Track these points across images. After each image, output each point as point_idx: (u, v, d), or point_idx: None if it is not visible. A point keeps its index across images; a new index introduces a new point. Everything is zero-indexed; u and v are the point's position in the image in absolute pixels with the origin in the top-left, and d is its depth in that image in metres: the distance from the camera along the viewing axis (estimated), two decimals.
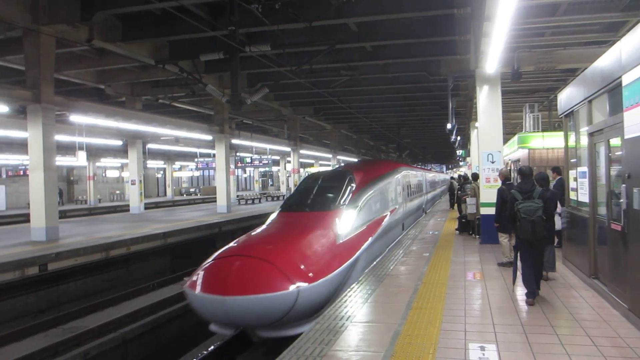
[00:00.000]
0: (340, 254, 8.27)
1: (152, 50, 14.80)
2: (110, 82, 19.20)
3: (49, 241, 13.72)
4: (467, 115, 25.70)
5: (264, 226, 9.45)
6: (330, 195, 10.09)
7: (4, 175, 34.10)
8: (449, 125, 19.96)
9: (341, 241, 8.65)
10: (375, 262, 11.15)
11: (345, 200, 9.78)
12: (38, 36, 12.41)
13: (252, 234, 8.98)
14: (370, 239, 9.84)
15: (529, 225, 6.49)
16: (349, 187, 10.25)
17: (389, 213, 12.13)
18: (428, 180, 27.15)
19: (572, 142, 8.65)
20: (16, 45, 13.41)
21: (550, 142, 16.69)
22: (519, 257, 7.01)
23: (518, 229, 6.67)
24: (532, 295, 6.64)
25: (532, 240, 6.62)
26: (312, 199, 10.13)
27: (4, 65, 15.55)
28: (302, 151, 32.59)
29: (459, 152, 41.60)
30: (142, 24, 13.02)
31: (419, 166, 45.01)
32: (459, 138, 32.15)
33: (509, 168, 13.26)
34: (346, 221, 9.24)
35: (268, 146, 31.30)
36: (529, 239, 6.59)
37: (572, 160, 8.65)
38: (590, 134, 7.19)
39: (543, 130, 18.21)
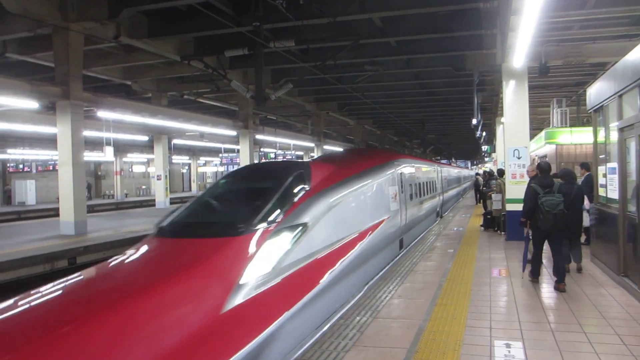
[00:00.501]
0: (221, 337, 4.17)
1: (177, 47, 14.95)
2: (137, 79, 19.47)
3: (77, 235, 14.01)
4: (492, 110, 25.39)
5: (88, 271, 5.40)
6: (255, 204, 5.76)
7: (34, 170, 34.87)
8: (474, 121, 19.75)
9: (238, 302, 4.50)
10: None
11: (274, 215, 5.57)
12: (67, 33, 12.64)
13: (30, 298, 4.32)
14: (322, 282, 5.90)
15: (552, 218, 6.94)
16: (293, 192, 6.19)
17: (372, 228, 8.27)
18: (444, 177, 22.85)
19: (601, 137, 8.49)
20: (46, 42, 13.69)
21: (578, 138, 16.41)
22: (530, 245, 7.68)
23: (540, 221, 7.07)
24: (536, 275, 7.59)
25: (552, 232, 7.10)
26: (215, 213, 6.35)
27: (34, 62, 15.90)
28: (325, 147, 32.59)
29: (484, 147, 41.12)
30: (168, 21, 13.16)
31: (437, 160, 43.21)
32: (484, 134, 31.80)
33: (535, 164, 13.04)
34: (267, 255, 5.12)
35: (292, 142, 31.38)
36: (549, 230, 7.07)
37: (601, 156, 8.49)
38: (621, 129, 7.05)
39: (571, 126, 17.90)
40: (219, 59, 14.94)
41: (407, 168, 12.49)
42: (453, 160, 66.93)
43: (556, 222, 6.97)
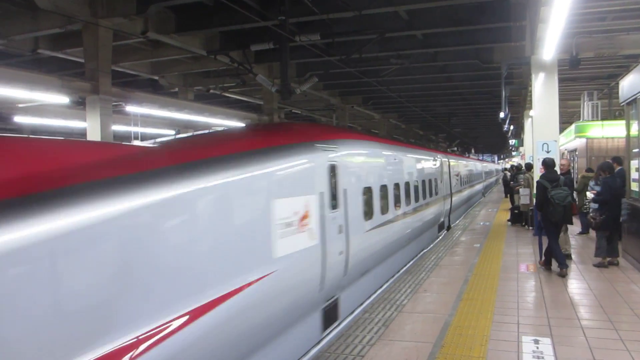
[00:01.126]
0: None
1: (204, 41, 15.05)
2: (164, 73, 19.68)
3: None
4: (520, 103, 24.97)
5: None
6: None
7: None
8: (502, 114, 19.48)
9: None
10: (423, 252, 10.73)
11: None
12: (96, 29, 12.83)
13: None
14: None
15: (561, 210, 7.51)
16: None
17: (176, 327, 3.47)
18: (455, 172, 18.05)
19: (634, 130, 8.29)
20: (76, 38, 13.93)
21: (610, 131, 16.06)
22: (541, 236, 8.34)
23: (551, 213, 7.59)
24: (565, 266, 7.72)
25: (561, 223, 7.79)
26: None
27: (64, 57, 16.20)
28: None
29: (512, 141, 40.51)
30: (195, 16, 13.25)
31: (451, 150, 35.27)
32: (511, 127, 31.30)
33: (565, 157, 12.84)
34: None
35: None
36: (560, 221, 7.69)
37: (634, 150, 8.30)
38: None
39: (602, 119, 17.51)
40: (244, 53, 15.00)
41: (358, 160, 7.71)
42: (472, 152, 61.86)
43: (565, 213, 7.56)
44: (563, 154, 17.97)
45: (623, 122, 9.30)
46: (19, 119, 17.42)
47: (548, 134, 11.58)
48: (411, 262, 9.80)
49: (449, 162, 16.74)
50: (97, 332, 3.02)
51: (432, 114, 34.63)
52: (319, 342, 5.72)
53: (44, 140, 4.34)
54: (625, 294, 6.50)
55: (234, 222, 4.41)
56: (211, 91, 21.58)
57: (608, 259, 8.35)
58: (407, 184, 10.32)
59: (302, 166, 5.64)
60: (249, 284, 4.24)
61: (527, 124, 22.39)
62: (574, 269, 8.23)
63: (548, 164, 8.04)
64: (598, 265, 8.17)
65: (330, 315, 6.13)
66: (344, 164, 6.58)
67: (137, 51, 16.75)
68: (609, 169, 8.41)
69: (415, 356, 4.58)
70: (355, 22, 12.66)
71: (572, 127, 18.21)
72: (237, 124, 22.46)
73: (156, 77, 19.95)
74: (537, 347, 4.69)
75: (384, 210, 8.33)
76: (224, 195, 4.29)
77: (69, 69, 17.25)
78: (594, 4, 10.03)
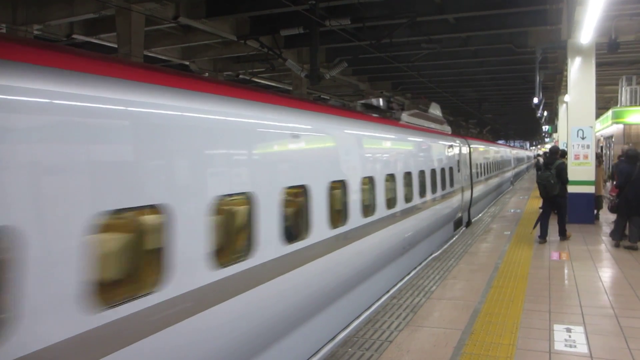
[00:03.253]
0: None
1: (234, 26, 15.10)
2: (195, 59, 19.84)
3: None
4: (555, 89, 24.39)
5: None
6: None
7: None
8: (535, 100, 19.09)
9: None
10: (453, 239, 10.78)
11: None
12: (129, 14, 12.99)
13: None
14: None
15: (542, 188, 9.14)
16: None
17: None
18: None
19: None
20: (109, 23, 14.14)
21: None
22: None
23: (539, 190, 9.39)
24: (543, 238, 9.41)
25: (546, 198, 9.27)
26: None
27: (98, 43, 16.47)
28: None
29: (545, 127, 39.66)
30: (225, 1, 13.29)
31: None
32: (545, 113, 30.63)
33: (600, 145, 12.53)
34: None
35: None
36: (544, 196, 9.30)
37: None
38: None
39: None
40: (274, 38, 14.99)
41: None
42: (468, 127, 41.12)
43: (546, 190, 9.06)
44: (599, 140, 17.54)
45: None
46: None
47: (583, 120, 11.33)
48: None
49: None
50: None
51: (463, 100, 34.13)
52: None
53: None
54: None
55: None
56: (240, 76, 21.68)
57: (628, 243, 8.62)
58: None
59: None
60: None
61: (562, 109, 21.92)
62: (607, 257, 8.08)
63: (551, 150, 9.79)
64: (628, 248, 8.52)
65: None
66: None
67: (168, 36, 16.92)
68: (624, 156, 9.03)
69: (444, 342, 4.57)
70: (386, 6, 12.52)
71: (609, 112, 17.75)
72: None
73: (187, 62, 20.12)
74: (570, 336, 4.63)
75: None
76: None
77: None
78: None
